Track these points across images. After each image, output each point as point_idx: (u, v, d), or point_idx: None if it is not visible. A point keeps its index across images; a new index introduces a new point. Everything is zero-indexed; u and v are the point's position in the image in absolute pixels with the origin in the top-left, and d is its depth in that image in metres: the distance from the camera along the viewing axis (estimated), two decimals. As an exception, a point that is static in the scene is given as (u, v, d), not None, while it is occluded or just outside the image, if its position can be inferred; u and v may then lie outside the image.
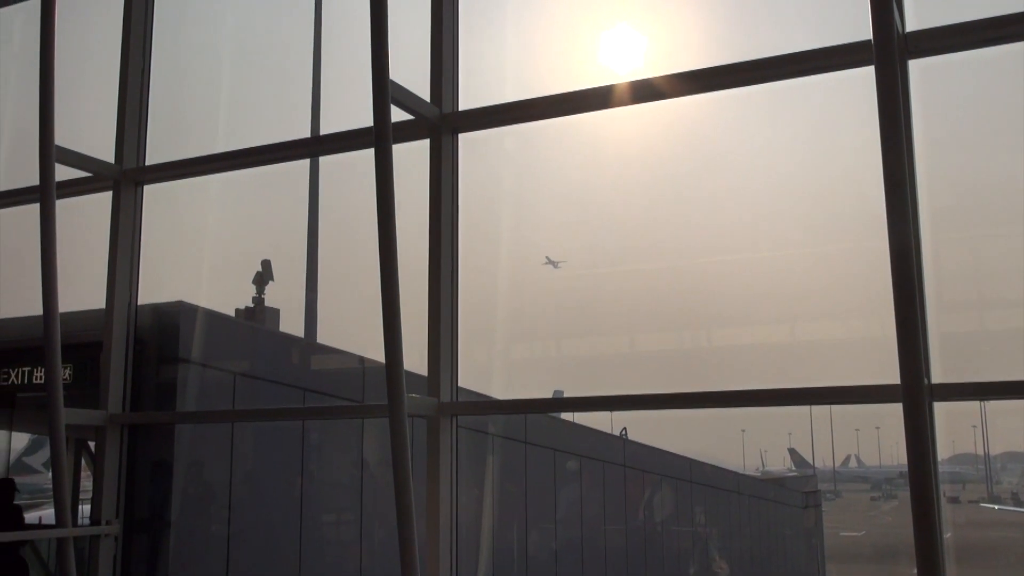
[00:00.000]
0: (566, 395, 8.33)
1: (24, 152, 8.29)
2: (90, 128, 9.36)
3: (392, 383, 5.92)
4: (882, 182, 5.01)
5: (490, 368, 8.90)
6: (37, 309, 7.41)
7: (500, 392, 8.45)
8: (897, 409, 4.92)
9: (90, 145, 8.49)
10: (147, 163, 8.68)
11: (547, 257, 8.36)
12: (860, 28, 5.53)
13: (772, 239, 7.97)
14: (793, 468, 16.94)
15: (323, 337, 11.04)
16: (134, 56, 8.75)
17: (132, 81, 8.69)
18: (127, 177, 8.51)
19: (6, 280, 7.25)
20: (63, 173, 8.00)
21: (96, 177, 8.58)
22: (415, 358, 6.65)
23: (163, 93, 8.95)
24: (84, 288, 8.84)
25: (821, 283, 7.64)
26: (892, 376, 4.98)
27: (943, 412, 5.34)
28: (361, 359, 10.41)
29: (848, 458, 18.19)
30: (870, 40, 5.16)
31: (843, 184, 7.41)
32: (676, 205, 8.37)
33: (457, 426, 6.82)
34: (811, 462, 16.36)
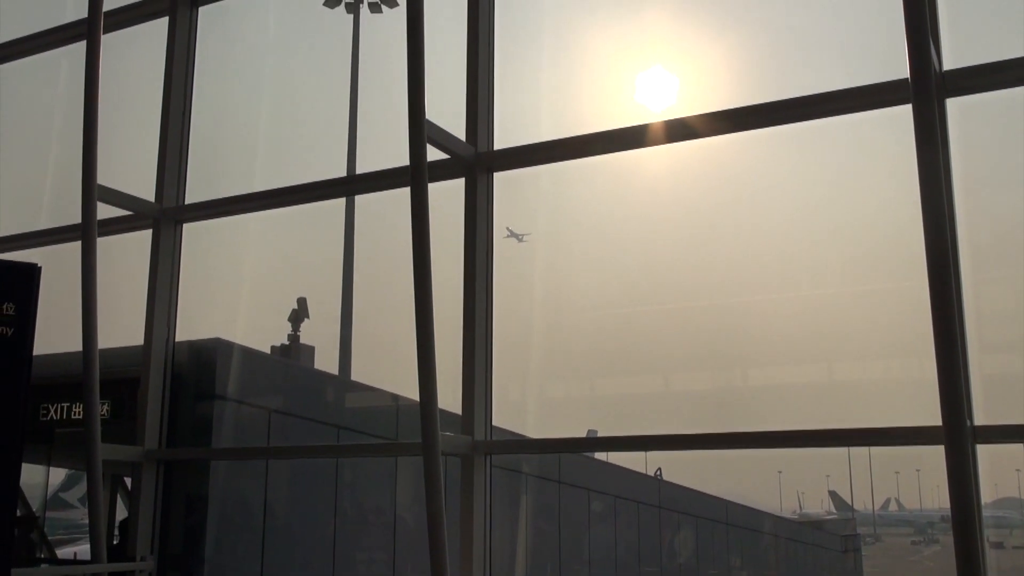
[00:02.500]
0: (600, 434, 8.27)
1: (67, 191, 8.44)
2: (131, 167, 9.52)
3: (426, 421, 5.91)
4: (920, 221, 4.97)
5: (524, 406, 8.87)
6: (76, 345, 7.50)
7: (534, 431, 8.41)
8: (937, 451, 4.82)
9: (131, 184, 8.63)
10: (186, 202, 8.81)
11: (508, 229, 8.15)
12: (893, 66, 5.52)
13: (809, 278, 7.90)
14: (834, 511, 16.66)
15: (357, 374, 11.06)
16: (175, 98, 8.91)
17: (173, 122, 8.85)
18: (167, 215, 8.63)
19: (47, 316, 7.34)
20: (104, 211, 8.14)
21: (137, 215, 8.71)
22: (449, 396, 6.64)
23: (203, 133, 9.10)
24: (123, 325, 8.93)
25: (859, 322, 7.55)
26: (932, 417, 4.89)
27: (986, 455, 5.24)
28: (395, 397, 10.42)
29: (888, 501, 17.87)
30: (907, 79, 5.13)
31: (881, 223, 7.35)
32: (712, 244, 8.34)
33: (491, 465, 6.79)
34: (851, 505, 16.09)
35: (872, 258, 7.44)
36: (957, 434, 4.76)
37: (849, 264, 7.62)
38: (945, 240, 4.92)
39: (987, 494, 5.34)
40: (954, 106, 5.66)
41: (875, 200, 7.45)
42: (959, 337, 4.99)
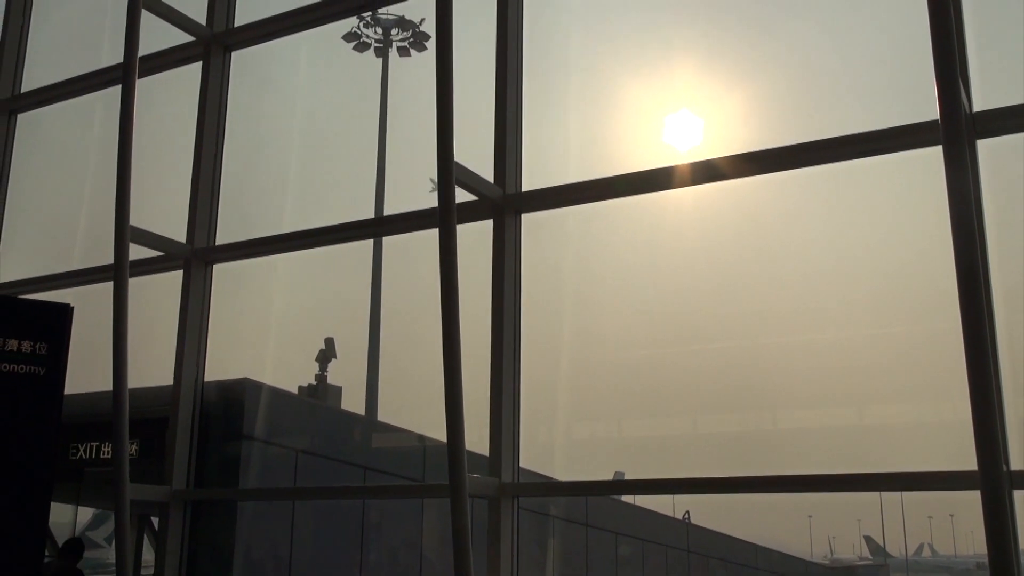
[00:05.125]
0: (628, 477, 8.19)
1: (100, 232, 8.55)
2: (163, 209, 9.64)
3: (454, 463, 5.88)
4: (951, 263, 4.92)
5: (551, 448, 8.82)
6: (107, 385, 7.55)
7: (561, 473, 8.34)
8: (971, 496, 4.74)
9: (163, 225, 8.73)
10: (217, 243, 8.89)
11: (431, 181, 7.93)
12: (922, 108, 5.51)
13: (839, 320, 7.83)
14: (868, 556, 16.36)
15: (384, 415, 11.06)
16: (207, 141, 9.05)
17: (205, 165, 8.97)
18: (198, 256, 8.72)
19: (79, 356, 7.41)
20: (136, 252, 8.23)
21: (168, 256, 8.80)
22: (476, 437, 6.61)
23: (234, 176, 9.20)
24: (153, 365, 8.99)
25: (890, 365, 7.46)
26: (966, 462, 4.81)
27: (1022, 499, 5.14)
28: (421, 438, 10.39)
29: (921, 546, 17.51)
30: (937, 120, 5.12)
31: (911, 264, 7.29)
32: (739, 285, 8.30)
33: (518, 507, 6.74)
34: (885, 550, 15.78)
35: (903, 300, 7.37)
36: (993, 479, 4.68)
37: (880, 306, 7.55)
38: (978, 281, 4.87)
39: (1024, 540, 5.24)
40: (985, 147, 5.64)
41: (905, 241, 7.40)
42: (993, 380, 4.92)
